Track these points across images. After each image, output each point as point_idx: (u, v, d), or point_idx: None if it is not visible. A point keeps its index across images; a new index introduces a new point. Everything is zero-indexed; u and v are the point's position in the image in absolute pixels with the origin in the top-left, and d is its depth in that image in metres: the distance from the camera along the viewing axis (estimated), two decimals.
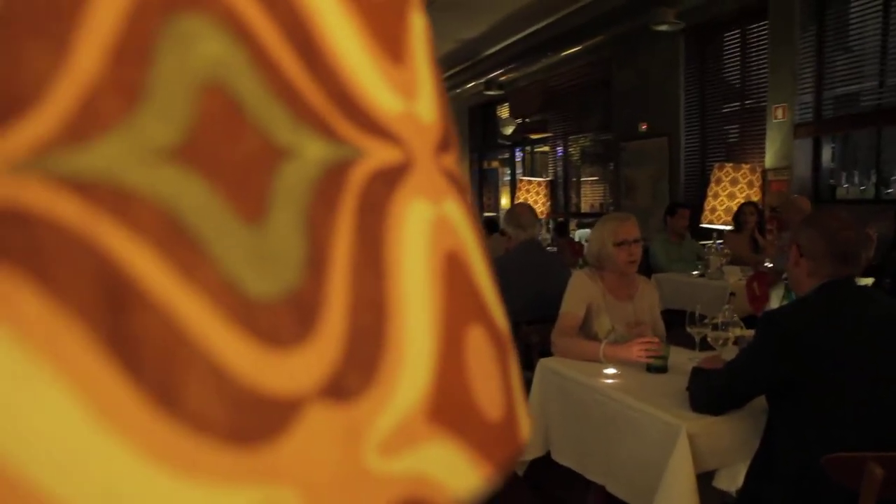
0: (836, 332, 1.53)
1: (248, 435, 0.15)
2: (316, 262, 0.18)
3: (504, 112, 9.73)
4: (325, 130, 0.21)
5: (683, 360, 2.10)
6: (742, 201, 5.00)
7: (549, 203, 8.33)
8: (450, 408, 0.21)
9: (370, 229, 0.21)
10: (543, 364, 2.30)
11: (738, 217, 4.76)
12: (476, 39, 7.60)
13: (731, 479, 1.77)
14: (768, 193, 5.28)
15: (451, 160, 0.30)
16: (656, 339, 2.06)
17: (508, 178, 10.12)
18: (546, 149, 9.05)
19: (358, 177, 0.22)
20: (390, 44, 0.27)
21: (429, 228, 0.25)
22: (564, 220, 7.87)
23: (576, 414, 2.08)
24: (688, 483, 1.59)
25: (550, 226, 8.03)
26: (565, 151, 8.48)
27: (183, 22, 0.18)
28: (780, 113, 5.25)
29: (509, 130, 9.21)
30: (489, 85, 8.36)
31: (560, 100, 8.23)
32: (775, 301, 2.57)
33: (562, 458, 2.15)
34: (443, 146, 0.29)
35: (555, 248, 5.68)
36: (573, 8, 6.34)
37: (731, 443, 1.71)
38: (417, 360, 0.21)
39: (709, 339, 2.13)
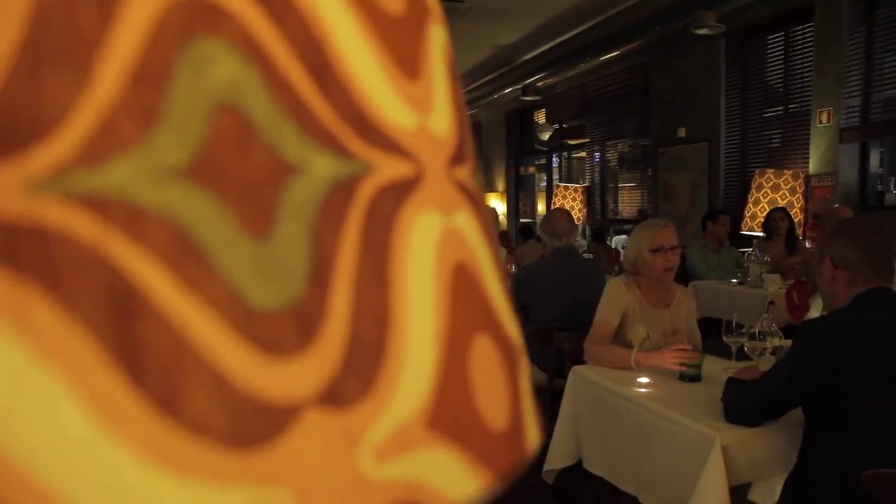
0: (878, 342, 1.48)
1: (245, 438, 0.16)
2: (320, 275, 0.19)
3: (541, 117, 9.70)
4: (334, 147, 0.22)
5: (718, 369, 2.06)
6: (785, 208, 4.90)
7: (585, 209, 8.27)
8: (450, 416, 0.22)
9: (376, 242, 0.22)
10: (576, 372, 2.29)
11: (768, 224, 4.67)
12: (513, 45, 7.60)
13: (768, 493, 1.73)
14: (812, 200, 5.15)
15: (464, 173, 0.31)
16: (690, 347, 2.03)
17: (545, 183, 10.08)
18: (583, 154, 8.99)
19: (366, 191, 0.23)
20: (406, 60, 0.28)
21: (437, 240, 0.25)
22: (601, 227, 7.81)
23: (608, 423, 2.06)
24: (721, 495, 1.56)
25: (587, 232, 7.97)
26: (603, 157, 8.41)
27: (199, 45, 0.19)
28: (824, 117, 5.12)
29: (546, 136, 9.18)
30: (526, 90, 8.35)
31: (597, 105, 8.18)
32: (815, 311, 2.51)
33: (593, 467, 2.13)
34: (457, 159, 0.30)
35: (590, 255, 5.63)
36: (610, 13, 6.30)
37: (767, 455, 1.67)
38: (418, 369, 0.21)
39: (745, 349, 2.09)
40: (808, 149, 5.30)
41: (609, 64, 7.23)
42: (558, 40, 7.25)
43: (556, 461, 2.27)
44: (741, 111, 6.15)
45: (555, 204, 8.18)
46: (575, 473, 2.30)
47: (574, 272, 3.07)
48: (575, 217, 7.18)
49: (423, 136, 0.27)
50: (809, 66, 5.32)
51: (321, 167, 0.21)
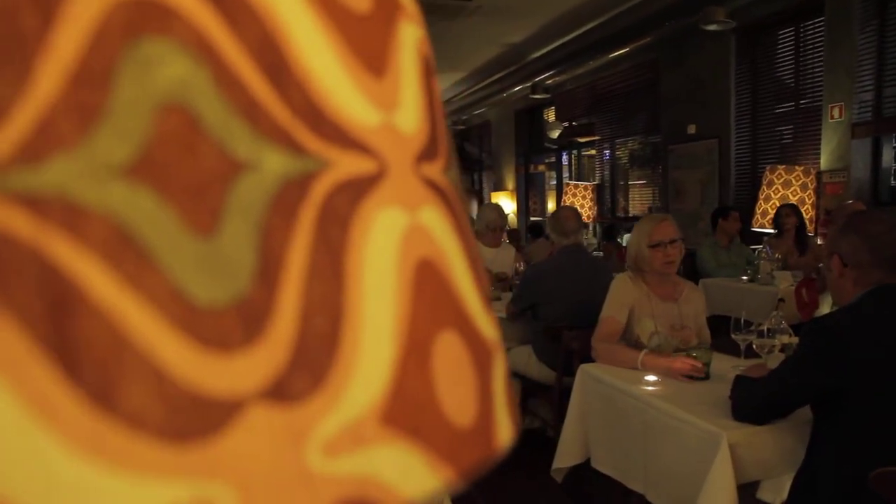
0: (887, 339, 1.47)
1: (184, 432, 0.16)
2: (268, 271, 0.19)
3: (550, 115, 9.67)
4: (288, 144, 0.22)
5: (726, 367, 2.05)
6: (794, 204, 4.86)
7: (595, 207, 8.24)
8: (408, 411, 0.22)
9: (331, 238, 0.22)
10: (584, 370, 2.28)
11: (777, 220, 4.65)
12: (521, 43, 7.59)
13: (776, 492, 1.72)
14: (823, 196, 5.11)
15: (434, 169, 0.31)
16: (700, 365, 2.01)
17: (555, 181, 10.05)
18: (593, 152, 8.96)
19: (322, 187, 0.23)
20: (371, 57, 0.28)
21: (399, 236, 0.25)
22: (612, 224, 7.77)
23: (616, 421, 2.05)
24: (729, 493, 1.55)
25: (597, 230, 7.94)
26: (613, 155, 8.37)
27: (146, 46, 0.19)
28: (836, 112, 5.07)
29: (556, 134, 9.15)
30: (535, 88, 8.33)
31: (607, 103, 8.15)
32: (825, 308, 2.49)
33: (601, 465, 2.13)
34: (426, 155, 0.30)
35: (601, 253, 5.61)
36: (619, 10, 6.27)
37: (775, 453, 1.66)
38: (374, 364, 0.21)
39: (754, 347, 2.07)
40: (819, 144, 5.25)
41: (618, 61, 7.20)
42: (567, 38, 7.23)
43: (565, 459, 2.27)
44: (752, 107, 6.10)
45: (565, 202, 8.16)
46: (584, 472, 2.29)
47: (582, 270, 3.06)
48: (585, 215, 7.15)
49: (387, 133, 0.27)
50: (820, 61, 5.28)
51: (273, 164, 0.21)
